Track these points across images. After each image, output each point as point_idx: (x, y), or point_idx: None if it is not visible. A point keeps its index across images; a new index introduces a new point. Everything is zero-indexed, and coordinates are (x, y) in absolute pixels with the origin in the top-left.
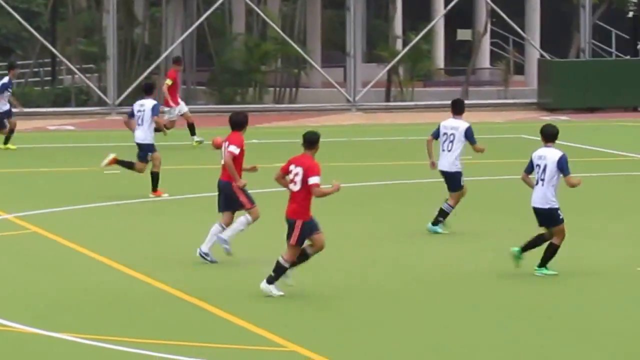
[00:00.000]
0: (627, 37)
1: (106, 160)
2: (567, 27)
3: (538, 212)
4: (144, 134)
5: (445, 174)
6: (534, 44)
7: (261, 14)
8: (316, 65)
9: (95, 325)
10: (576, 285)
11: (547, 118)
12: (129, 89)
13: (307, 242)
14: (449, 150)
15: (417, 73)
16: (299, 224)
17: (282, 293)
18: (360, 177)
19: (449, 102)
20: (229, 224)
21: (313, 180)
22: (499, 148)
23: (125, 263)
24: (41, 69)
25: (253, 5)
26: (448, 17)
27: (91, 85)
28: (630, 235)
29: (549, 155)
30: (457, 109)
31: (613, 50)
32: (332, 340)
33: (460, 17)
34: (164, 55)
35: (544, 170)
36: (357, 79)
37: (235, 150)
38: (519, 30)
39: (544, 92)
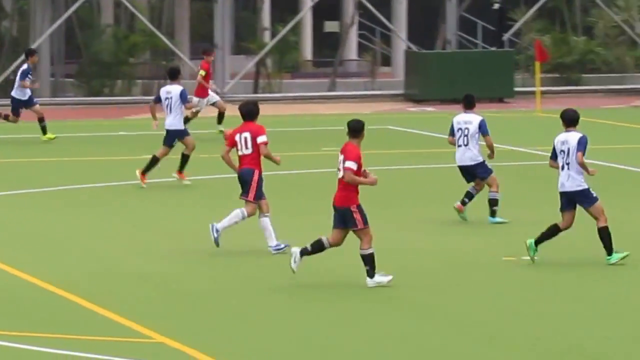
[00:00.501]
0: (492, 28)
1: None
2: (434, 18)
3: (570, 195)
4: (172, 120)
5: (466, 168)
6: (401, 36)
7: (129, 5)
8: (184, 57)
9: None
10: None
11: (414, 109)
12: None
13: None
14: (466, 145)
15: (285, 65)
16: (354, 209)
17: (390, 277)
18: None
19: (317, 93)
20: (252, 214)
21: (347, 164)
22: (367, 139)
23: None
24: None
25: None
26: (316, 9)
27: None
28: (500, 225)
29: (570, 139)
30: (469, 103)
31: (479, 41)
32: (202, 332)
33: (327, 9)
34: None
35: (568, 154)
36: (226, 70)
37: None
38: (385, 22)
39: (410, 84)
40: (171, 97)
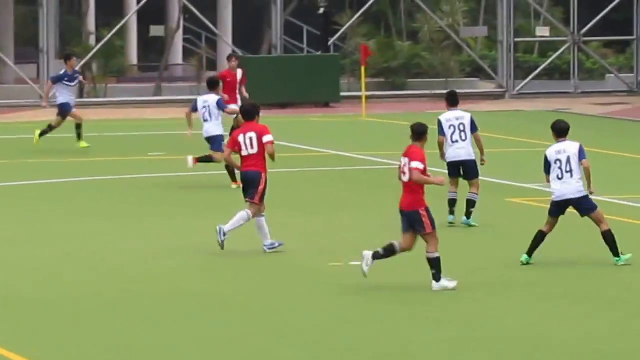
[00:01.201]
0: (318, 33)
1: (190, 163)
2: (259, 23)
3: (572, 202)
4: (212, 127)
5: (466, 163)
6: (226, 41)
7: None
8: (9, 62)
9: None
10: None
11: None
12: None
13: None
14: (464, 140)
15: (111, 69)
16: (423, 212)
17: (456, 282)
18: (53, 174)
19: (143, 98)
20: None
21: (414, 164)
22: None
23: None
24: None
25: None
26: (141, 14)
27: None
28: (326, 231)
29: (568, 148)
30: (454, 101)
31: (305, 46)
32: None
33: (153, 13)
34: None
35: (568, 161)
36: (51, 75)
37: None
38: (211, 26)
39: None
40: (208, 106)
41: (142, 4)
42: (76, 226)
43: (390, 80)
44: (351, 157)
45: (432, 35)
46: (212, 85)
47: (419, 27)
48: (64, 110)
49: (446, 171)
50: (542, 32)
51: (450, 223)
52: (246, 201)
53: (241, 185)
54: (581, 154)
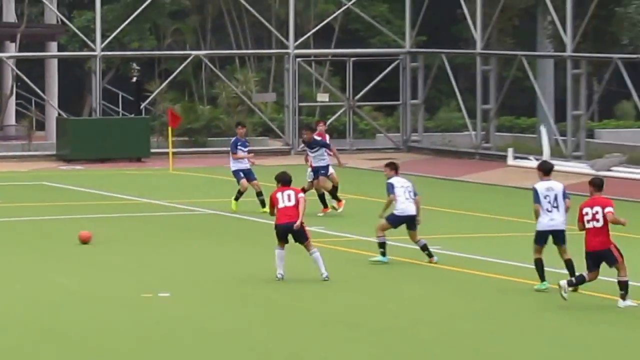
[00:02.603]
0: (131, 98)
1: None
2: (81, 89)
3: (556, 233)
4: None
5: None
6: (53, 104)
7: None
8: None
9: None
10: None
11: (65, 167)
12: None
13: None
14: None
15: None
16: (613, 247)
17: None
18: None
19: None
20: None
21: (609, 209)
22: (25, 194)
23: None
24: None
25: None
26: None
27: None
28: (129, 266)
29: (555, 186)
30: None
31: (120, 109)
32: None
33: None
34: None
35: (556, 198)
36: None
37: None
38: (39, 92)
39: (62, 145)
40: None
41: None
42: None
43: (193, 138)
44: (161, 204)
45: (229, 101)
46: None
47: (217, 93)
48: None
49: None
50: (322, 97)
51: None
52: (304, 245)
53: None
54: (565, 194)
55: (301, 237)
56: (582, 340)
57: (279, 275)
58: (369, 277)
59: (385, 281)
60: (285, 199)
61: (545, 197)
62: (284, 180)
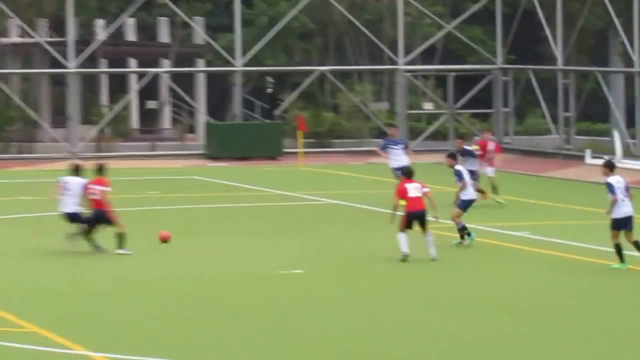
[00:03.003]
0: (267, 106)
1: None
2: (225, 99)
3: (631, 220)
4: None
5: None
6: (202, 111)
7: (5, 89)
8: (46, 126)
9: None
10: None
11: (212, 164)
12: None
13: None
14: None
15: (119, 132)
16: None
17: None
18: None
19: (143, 152)
20: None
21: None
22: (179, 186)
23: None
24: None
25: None
26: (140, 92)
27: None
28: (267, 248)
29: (622, 180)
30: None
31: (258, 115)
32: (73, 325)
33: (148, 91)
34: None
35: (625, 190)
36: (76, 135)
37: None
38: (190, 101)
39: (209, 146)
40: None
41: (141, 84)
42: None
43: (319, 140)
44: (293, 195)
45: (348, 109)
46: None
47: (339, 103)
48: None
49: None
50: (428, 106)
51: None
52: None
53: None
54: (627, 186)
55: (425, 223)
56: None
57: (405, 252)
58: (473, 258)
59: (482, 262)
60: (413, 190)
61: (618, 189)
62: (409, 174)
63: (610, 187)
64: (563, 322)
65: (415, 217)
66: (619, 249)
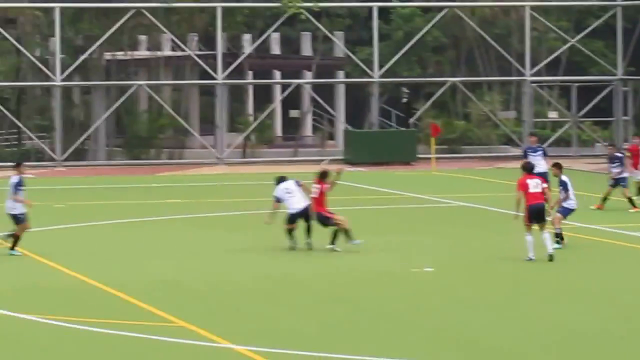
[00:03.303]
0: (402, 115)
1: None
2: (363, 108)
3: None
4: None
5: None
6: (341, 120)
7: (158, 99)
8: (196, 134)
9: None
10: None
11: (351, 169)
12: (70, 150)
13: None
14: None
15: (263, 139)
16: None
17: None
18: (227, 208)
19: (286, 158)
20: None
21: None
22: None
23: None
24: (10, 137)
25: (153, 94)
26: (283, 101)
27: (44, 147)
28: (401, 247)
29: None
30: None
31: (393, 123)
32: (214, 320)
33: (291, 101)
34: (93, 127)
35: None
36: (223, 142)
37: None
38: (330, 110)
39: (348, 151)
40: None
41: (284, 95)
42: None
43: (450, 147)
44: (426, 198)
45: (478, 117)
46: (529, 169)
47: (469, 111)
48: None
49: None
50: (552, 114)
51: None
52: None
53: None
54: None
55: (543, 218)
56: None
57: (531, 257)
58: (584, 257)
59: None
60: (533, 185)
61: None
62: (529, 169)
63: None
64: None
65: (536, 211)
66: None
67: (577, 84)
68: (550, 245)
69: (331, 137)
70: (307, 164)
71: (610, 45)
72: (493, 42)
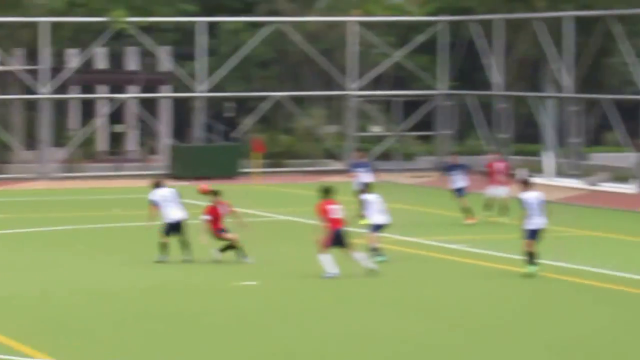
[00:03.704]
0: (228, 130)
1: None
2: (188, 122)
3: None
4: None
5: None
6: (166, 134)
7: None
8: (19, 148)
9: None
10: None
11: (174, 183)
12: None
13: None
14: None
15: (87, 153)
16: None
17: None
18: (49, 223)
19: (109, 172)
20: None
21: None
22: (138, 205)
23: None
24: None
25: None
26: (109, 116)
27: None
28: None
29: (539, 195)
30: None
31: (219, 138)
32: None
33: (116, 116)
34: None
35: (539, 204)
36: (47, 157)
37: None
38: (155, 125)
39: (173, 166)
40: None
41: (109, 109)
42: None
43: (275, 161)
44: (249, 212)
45: (302, 131)
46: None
47: (293, 126)
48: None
49: None
50: (376, 129)
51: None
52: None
53: None
54: (543, 201)
55: (344, 243)
56: None
57: (332, 272)
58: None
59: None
60: (334, 210)
61: (532, 204)
62: (327, 192)
63: (524, 202)
64: (509, 332)
65: (336, 237)
66: (531, 255)
67: (401, 99)
68: (368, 262)
69: (156, 151)
70: (131, 178)
71: (434, 60)
72: (318, 57)
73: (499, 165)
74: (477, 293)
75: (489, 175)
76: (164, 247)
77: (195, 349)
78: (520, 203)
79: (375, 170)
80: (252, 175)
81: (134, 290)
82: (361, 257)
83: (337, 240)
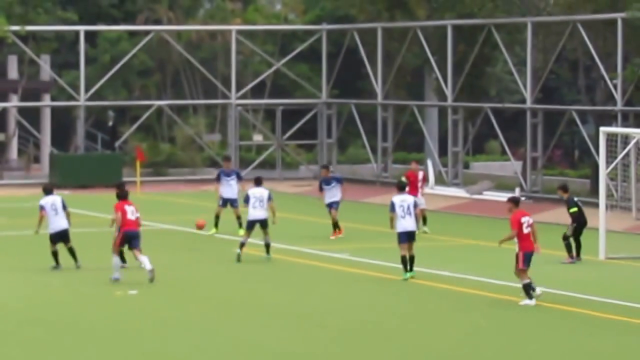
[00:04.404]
0: (108, 138)
1: None
2: (69, 131)
3: (413, 234)
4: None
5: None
6: (47, 143)
7: None
8: None
9: None
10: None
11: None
12: None
13: None
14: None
15: None
16: None
17: None
18: None
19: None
20: None
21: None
22: (25, 212)
23: None
24: None
25: None
26: None
27: None
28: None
29: (407, 198)
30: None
31: (99, 147)
32: None
33: None
34: None
35: (408, 207)
36: None
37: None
38: (35, 133)
39: (53, 175)
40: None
41: None
42: None
43: (157, 169)
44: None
45: (184, 140)
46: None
47: (175, 134)
48: None
49: None
50: (257, 137)
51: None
52: None
53: None
54: (415, 204)
55: (134, 244)
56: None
57: (117, 277)
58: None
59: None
60: (130, 212)
61: (400, 207)
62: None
63: (391, 205)
64: (377, 337)
65: (128, 238)
66: (403, 261)
67: (282, 107)
68: (148, 264)
69: (37, 160)
70: (12, 187)
71: (315, 68)
72: (199, 66)
73: (418, 175)
74: (354, 301)
75: (411, 185)
76: (54, 255)
77: (73, 356)
78: (390, 206)
79: (242, 180)
80: (134, 185)
81: (16, 298)
82: (144, 260)
83: (128, 240)
